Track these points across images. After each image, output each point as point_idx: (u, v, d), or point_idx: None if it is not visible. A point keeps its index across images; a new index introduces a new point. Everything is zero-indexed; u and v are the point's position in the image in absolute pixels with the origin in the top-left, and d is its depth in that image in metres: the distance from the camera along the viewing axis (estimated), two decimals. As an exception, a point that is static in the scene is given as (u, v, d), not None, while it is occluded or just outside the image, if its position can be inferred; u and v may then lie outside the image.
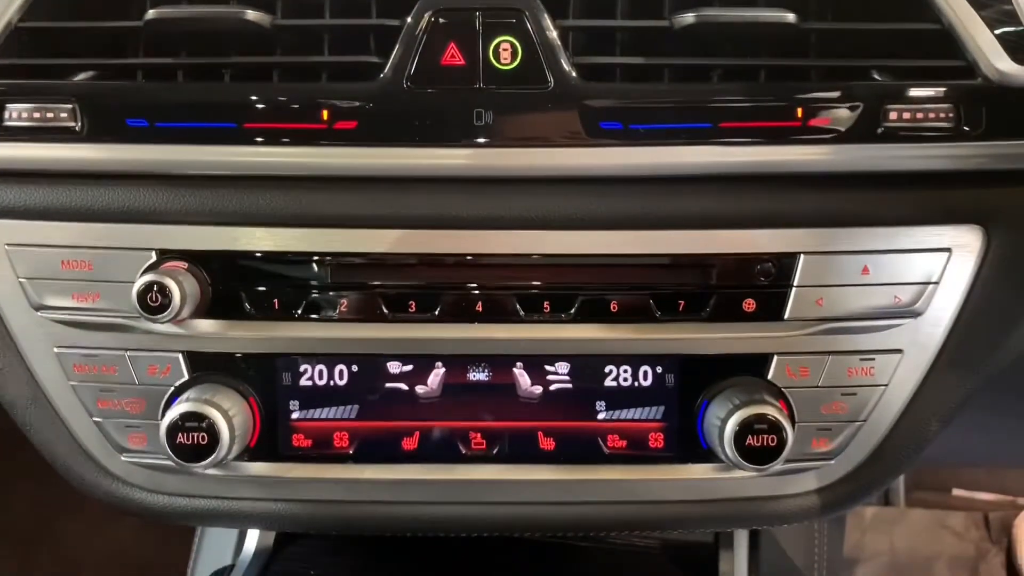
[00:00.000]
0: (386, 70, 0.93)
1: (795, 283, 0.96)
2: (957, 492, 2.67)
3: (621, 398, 1.00)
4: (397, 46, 0.92)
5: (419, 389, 1.01)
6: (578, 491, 1.04)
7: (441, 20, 0.92)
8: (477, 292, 0.98)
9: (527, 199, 0.95)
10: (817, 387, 0.99)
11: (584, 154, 0.94)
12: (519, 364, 1.00)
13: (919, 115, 0.93)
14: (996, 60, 0.91)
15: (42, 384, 1.02)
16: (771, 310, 0.97)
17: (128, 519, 1.70)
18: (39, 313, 0.99)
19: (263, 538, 1.44)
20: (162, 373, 0.99)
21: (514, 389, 1.01)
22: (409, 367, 1.00)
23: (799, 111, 0.93)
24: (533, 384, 1.00)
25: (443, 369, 1.00)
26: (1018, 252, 0.98)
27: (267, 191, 0.95)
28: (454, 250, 0.97)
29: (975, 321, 0.99)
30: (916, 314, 0.98)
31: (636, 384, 1.00)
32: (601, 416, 1.01)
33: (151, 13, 0.93)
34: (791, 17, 0.93)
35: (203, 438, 0.93)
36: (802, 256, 0.96)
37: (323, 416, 1.01)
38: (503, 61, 0.92)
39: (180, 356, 0.99)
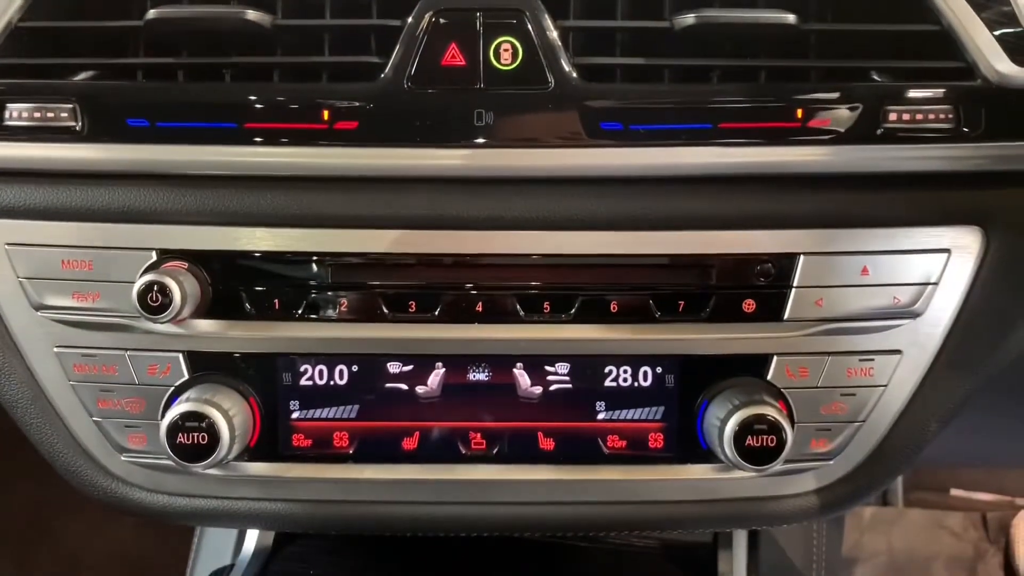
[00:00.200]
0: (387, 70, 0.93)
1: (795, 284, 0.96)
2: (955, 492, 2.68)
3: (621, 398, 1.01)
4: (398, 46, 0.92)
5: (419, 389, 1.01)
6: (578, 491, 1.04)
7: (442, 20, 0.92)
8: (477, 292, 0.98)
9: (527, 199, 0.95)
10: (816, 388, 0.99)
11: (584, 154, 0.95)
12: (519, 364, 1.00)
13: (918, 116, 0.93)
14: (995, 61, 0.91)
15: (42, 384, 1.02)
16: (771, 311, 0.97)
17: (127, 519, 1.71)
18: (39, 313, 0.99)
19: (262, 538, 1.44)
20: (162, 373, 0.99)
21: (514, 389, 1.01)
22: (409, 367, 1.00)
23: (799, 112, 0.93)
24: (533, 384, 1.01)
25: (443, 369, 1.00)
26: (1017, 253, 0.98)
27: (268, 191, 0.95)
28: (454, 250, 0.97)
29: (974, 322, 0.99)
30: (915, 315, 0.98)
31: (636, 384, 1.00)
32: (601, 416, 1.01)
33: (152, 13, 0.93)
34: (791, 18, 0.93)
35: (203, 438, 0.94)
36: (802, 257, 0.96)
37: (323, 416, 1.01)
38: (504, 61, 0.92)
39: (180, 356, 0.99)
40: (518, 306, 0.98)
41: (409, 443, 1.02)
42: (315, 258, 0.97)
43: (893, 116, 0.93)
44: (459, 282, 0.98)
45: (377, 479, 1.03)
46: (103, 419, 1.01)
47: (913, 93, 0.93)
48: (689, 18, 0.92)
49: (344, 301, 0.98)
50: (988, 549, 2.49)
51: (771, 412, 0.94)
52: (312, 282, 0.98)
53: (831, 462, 1.03)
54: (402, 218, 0.96)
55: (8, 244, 0.98)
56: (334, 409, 1.01)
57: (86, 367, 1.00)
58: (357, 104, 0.93)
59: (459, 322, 0.98)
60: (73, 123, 0.94)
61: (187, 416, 0.94)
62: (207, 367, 0.99)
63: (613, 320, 0.98)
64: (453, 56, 0.92)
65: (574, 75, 0.93)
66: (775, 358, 0.98)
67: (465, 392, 1.01)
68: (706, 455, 1.00)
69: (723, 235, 0.96)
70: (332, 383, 1.00)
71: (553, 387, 1.01)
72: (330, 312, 0.98)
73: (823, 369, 0.98)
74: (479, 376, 1.00)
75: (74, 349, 1.00)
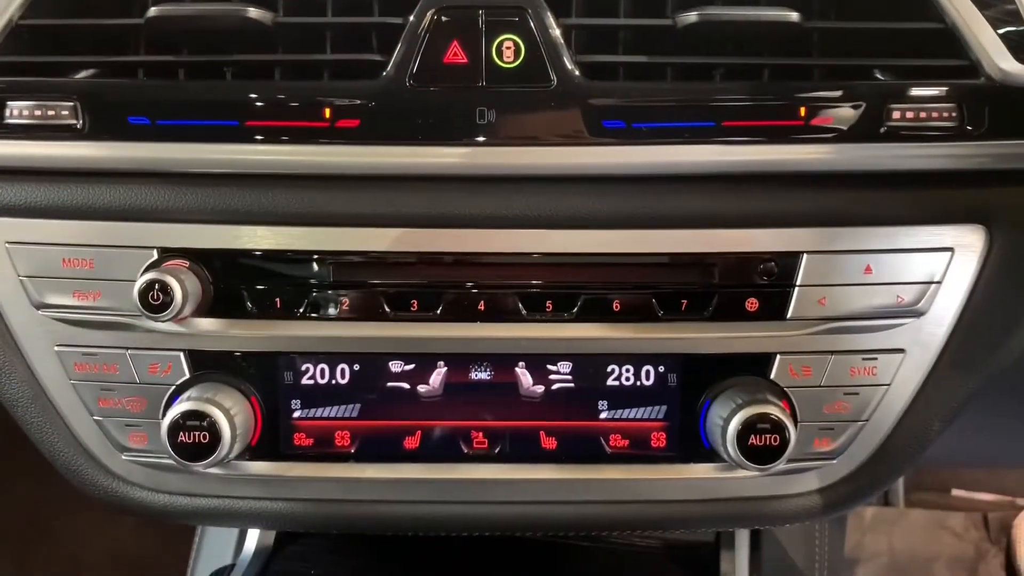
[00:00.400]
0: (388, 68, 0.92)
1: (798, 282, 0.96)
2: (957, 492, 2.67)
3: (623, 397, 1.00)
4: (400, 44, 0.92)
5: (421, 388, 1.00)
6: (580, 490, 1.04)
7: (444, 18, 0.92)
8: (479, 291, 0.97)
9: (529, 198, 0.95)
10: (819, 387, 0.99)
11: (587, 153, 0.94)
12: (521, 363, 1.00)
13: (922, 114, 0.93)
14: (999, 59, 0.91)
15: (43, 383, 1.01)
16: (774, 309, 0.97)
17: (128, 519, 1.71)
18: (40, 312, 0.98)
19: (263, 537, 1.44)
20: (163, 372, 0.99)
21: (516, 388, 1.00)
22: (411, 366, 1.00)
23: (802, 110, 0.93)
24: (535, 383, 1.00)
25: (445, 368, 1.00)
26: (1020, 252, 0.98)
27: (269, 189, 0.95)
28: (456, 249, 0.96)
29: (977, 321, 0.99)
30: (918, 314, 0.98)
31: (638, 383, 1.00)
32: (603, 415, 1.01)
33: (153, 11, 0.93)
34: (794, 16, 0.93)
35: (204, 437, 0.93)
36: (805, 255, 0.96)
37: (324, 415, 1.01)
38: (506, 59, 0.92)
39: (181, 355, 0.98)
40: (520, 305, 0.98)
41: (411, 442, 1.01)
42: (316, 257, 0.97)
43: (896, 114, 0.93)
44: (461, 281, 0.97)
45: (379, 478, 1.02)
46: (104, 418, 1.01)
47: (916, 91, 0.93)
48: (692, 16, 0.92)
49: (345, 300, 0.98)
50: (989, 549, 2.49)
51: (774, 411, 0.94)
52: (313, 281, 0.98)
53: (834, 461, 1.03)
54: (404, 216, 0.95)
55: (9, 242, 0.97)
56: (335, 408, 1.01)
57: (87, 366, 1.00)
58: (359, 102, 0.93)
59: (461, 321, 0.98)
60: (74, 121, 0.94)
61: (188, 415, 0.93)
62: (208, 366, 0.99)
63: (615, 319, 0.98)
64: (455, 54, 0.92)
65: (576, 73, 0.92)
66: (778, 357, 0.98)
67: (467, 391, 1.01)
68: (709, 454, 1.00)
69: (726, 234, 0.96)
70: (333, 382, 1.00)
71: (555, 386, 1.00)
72: (331, 311, 0.98)
73: (826, 368, 0.98)
74: (481, 375, 1.00)
75: (75, 348, 0.99)
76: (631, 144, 0.94)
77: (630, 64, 0.96)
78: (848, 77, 0.95)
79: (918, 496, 2.66)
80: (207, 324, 0.97)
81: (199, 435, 0.93)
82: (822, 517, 1.10)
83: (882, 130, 0.93)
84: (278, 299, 0.98)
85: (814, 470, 1.04)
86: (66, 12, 0.96)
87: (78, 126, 0.94)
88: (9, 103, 0.94)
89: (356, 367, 1.00)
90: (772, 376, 0.98)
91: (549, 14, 0.92)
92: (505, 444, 1.02)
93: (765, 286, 0.97)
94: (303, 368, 1.00)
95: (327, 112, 0.93)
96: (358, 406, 1.01)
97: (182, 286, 0.91)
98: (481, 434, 1.01)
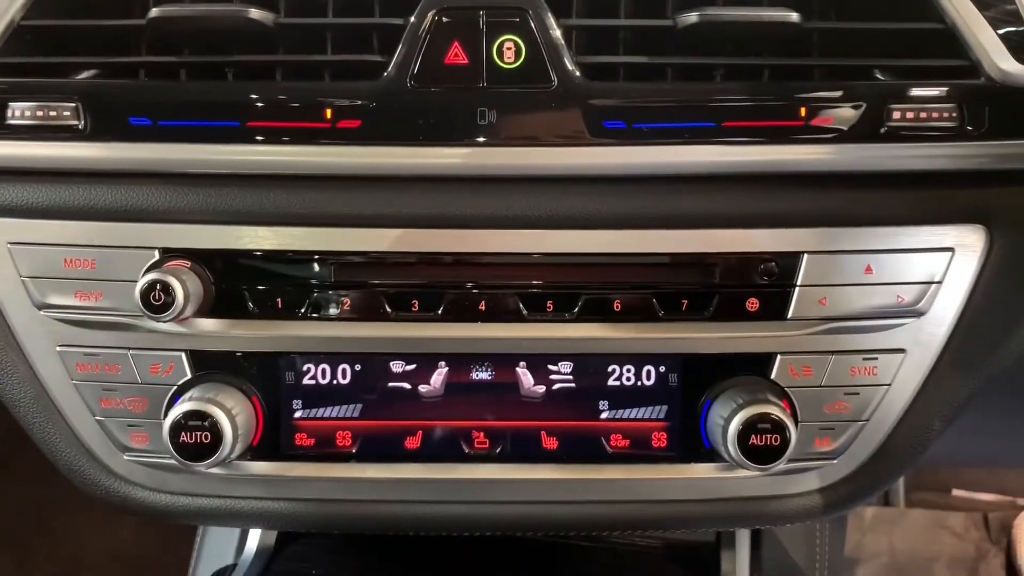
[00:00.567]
0: (389, 69, 0.93)
1: (798, 283, 0.96)
2: (957, 492, 2.67)
3: (624, 397, 1.00)
4: (400, 45, 0.92)
5: (422, 388, 1.01)
6: (581, 490, 1.04)
7: (445, 19, 0.92)
8: (480, 291, 0.97)
9: (530, 198, 0.95)
10: (820, 386, 0.99)
11: (587, 153, 0.94)
12: (522, 363, 1.00)
13: (922, 115, 0.93)
14: (999, 60, 0.91)
15: (44, 383, 1.02)
16: (774, 310, 0.97)
17: (128, 518, 1.71)
18: (42, 312, 0.99)
19: (265, 537, 1.44)
20: (165, 372, 0.99)
21: (517, 388, 1.00)
22: (412, 366, 1.00)
23: (802, 110, 0.93)
24: (536, 383, 1.00)
25: (446, 368, 1.00)
26: (1021, 252, 0.98)
27: (270, 190, 0.95)
28: (457, 249, 0.97)
29: (978, 321, 0.99)
30: (919, 314, 0.98)
31: (639, 383, 1.00)
32: (604, 415, 1.01)
33: (154, 11, 0.93)
34: (794, 16, 0.93)
35: (206, 437, 0.93)
36: (805, 256, 0.96)
37: (326, 415, 1.01)
38: (507, 60, 0.92)
39: (183, 355, 0.99)
40: (521, 305, 0.98)
41: (412, 442, 1.02)
42: (318, 257, 0.97)
43: (896, 114, 0.93)
44: (462, 281, 0.97)
45: (380, 478, 1.03)
46: (105, 418, 1.01)
47: (916, 91, 0.93)
48: (692, 16, 0.92)
49: (347, 300, 0.98)
50: (990, 549, 2.49)
51: (775, 411, 0.94)
52: (315, 281, 0.98)
53: (835, 461, 1.03)
54: (405, 217, 0.96)
55: (11, 243, 0.97)
56: (337, 408, 1.01)
57: (88, 366, 1.00)
58: (360, 103, 0.93)
59: (462, 321, 0.98)
60: (76, 122, 0.94)
61: (190, 415, 0.93)
62: (210, 366, 0.99)
63: (616, 319, 0.98)
64: (456, 55, 0.92)
65: (577, 74, 0.92)
66: (779, 357, 0.98)
67: (468, 391, 1.01)
68: (709, 454, 1.00)
69: (726, 234, 0.96)
70: (335, 382, 1.00)
71: (556, 386, 1.01)
72: (333, 311, 0.98)
73: (827, 368, 0.98)
74: (482, 375, 1.00)
75: (76, 348, 1.00)
76: (631, 144, 0.94)
77: (630, 65, 0.96)
78: (848, 77, 0.96)
79: (918, 496, 2.66)
80: (209, 324, 0.98)
81: (201, 435, 0.93)
82: (823, 517, 1.10)
83: (882, 130, 0.93)
84: (279, 299, 0.98)
85: (815, 470, 1.04)
86: (67, 13, 0.96)
87: (80, 127, 0.94)
88: (11, 104, 0.94)
89: (357, 367, 1.00)
90: (773, 376, 0.98)
91: (550, 15, 0.92)
92: (506, 444, 1.02)
93: (765, 286, 0.97)
94: (304, 368, 1.00)
95: (328, 113, 0.93)
96: (359, 406, 1.01)
97: (184, 286, 0.92)
98: (482, 434, 1.02)
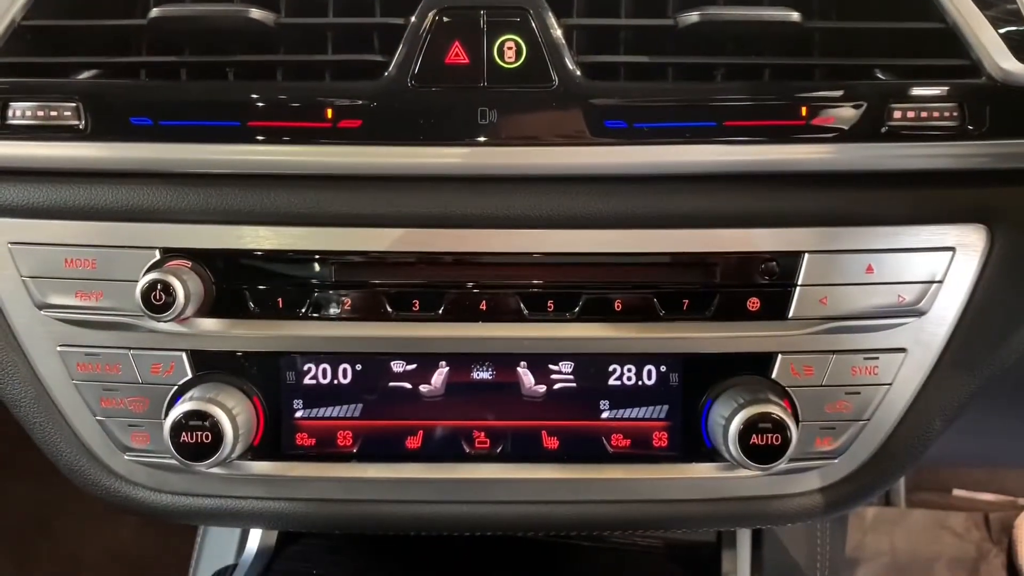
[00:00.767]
0: (390, 69, 0.93)
1: (799, 282, 0.96)
2: (958, 492, 2.67)
3: (625, 397, 1.00)
4: (401, 45, 0.92)
5: (423, 388, 1.01)
6: (581, 490, 1.04)
7: (445, 19, 0.92)
8: (481, 291, 0.97)
9: (531, 198, 0.95)
10: (821, 386, 0.99)
11: (588, 152, 0.94)
12: (523, 363, 1.00)
13: (923, 114, 0.93)
14: (1000, 59, 0.91)
15: (45, 383, 1.02)
16: (775, 309, 0.97)
17: (128, 518, 1.71)
18: (42, 312, 0.99)
19: (265, 537, 1.44)
20: (165, 372, 0.99)
21: (518, 388, 1.00)
22: (413, 366, 1.00)
23: (803, 110, 0.93)
24: (537, 383, 1.00)
25: (447, 368, 1.00)
26: (1022, 251, 0.98)
27: (271, 190, 0.95)
28: (458, 249, 0.97)
29: (979, 320, 0.99)
30: (920, 313, 0.98)
31: (640, 383, 1.00)
32: (605, 415, 1.01)
33: (155, 11, 0.93)
34: (795, 16, 0.93)
35: (207, 437, 0.93)
36: (806, 255, 0.96)
37: (326, 415, 1.01)
38: (507, 60, 0.92)
39: (183, 355, 0.99)
40: (522, 305, 0.98)
41: (412, 442, 1.02)
42: (318, 257, 0.97)
43: (897, 114, 0.93)
44: (463, 281, 0.97)
45: (380, 478, 1.03)
46: (106, 418, 1.01)
47: (917, 91, 0.93)
48: (693, 16, 0.92)
49: (347, 300, 0.98)
50: (991, 549, 2.49)
51: (776, 410, 0.94)
52: (315, 281, 0.98)
53: (836, 461, 1.03)
54: (405, 216, 0.96)
55: (11, 243, 0.97)
56: (337, 408, 1.01)
57: (89, 366, 1.00)
58: (360, 102, 0.93)
59: (463, 321, 0.98)
60: (76, 122, 0.94)
61: (190, 415, 0.93)
62: (210, 366, 0.99)
63: (617, 319, 0.98)
64: (457, 54, 0.92)
65: (578, 73, 0.92)
66: (779, 356, 0.98)
67: (469, 391, 1.01)
68: (710, 454, 1.00)
69: (727, 233, 0.96)
70: (335, 382, 1.00)
71: (557, 386, 1.01)
72: (333, 311, 0.98)
73: (828, 367, 0.98)
74: (483, 375, 1.00)
75: (77, 348, 1.00)
76: (632, 144, 0.94)
77: (631, 64, 0.96)
78: (849, 77, 0.96)
79: (919, 496, 2.66)
80: (209, 324, 0.98)
81: (201, 435, 0.93)
82: (824, 516, 1.10)
83: (883, 130, 0.93)
84: (280, 299, 0.98)
85: (816, 469, 1.04)
86: (68, 13, 0.96)
87: (80, 127, 0.94)
88: (12, 104, 0.94)
89: (358, 367, 1.00)
90: (774, 375, 0.98)
91: (550, 14, 0.92)
92: (507, 444, 1.02)
93: (766, 286, 0.97)
94: (305, 368, 1.00)
95: (329, 112, 0.93)
96: (360, 406, 1.01)
97: (184, 286, 0.92)
98: (483, 434, 1.02)
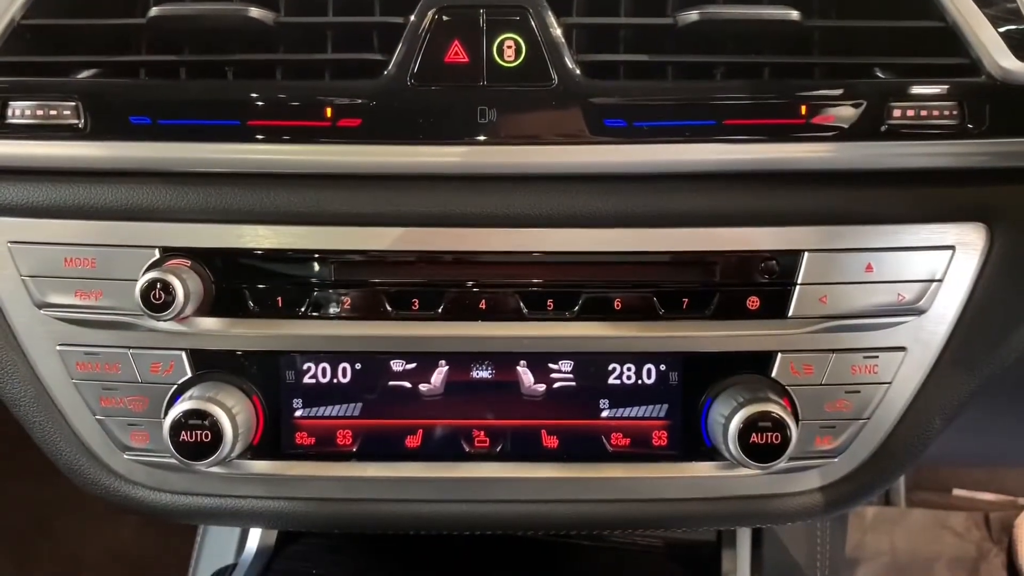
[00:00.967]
0: (390, 68, 0.93)
1: (799, 281, 0.96)
2: (958, 492, 2.67)
3: (624, 396, 1.00)
4: (401, 44, 0.92)
5: (422, 387, 1.01)
6: (581, 489, 1.04)
7: (445, 18, 0.92)
8: (480, 290, 0.97)
9: (531, 197, 0.95)
10: (821, 385, 0.99)
11: (588, 151, 0.94)
12: (522, 362, 1.00)
13: (923, 113, 0.93)
14: (1000, 58, 0.91)
15: (44, 382, 1.02)
16: (775, 308, 0.97)
17: (128, 518, 1.71)
18: (42, 311, 0.98)
19: (265, 537, 1.44)
20: (165, 371, 0.99)
21: (517, 387, 1.00)
22: (412, 365, 1.00)
23: (803, 108, 0.93)
24: (536, 382, 1.00)
25: (446, 367, 1.00)
26: (1022, 250, 0.98)
27: (271, 189, 0.95)
28: (458, 248, 0.97)
29: (979, 319, 0.99)
30: (920, 312, 0.98)
31: (640, 382, 1.00)
32: (604, 414, 1.01)
33: (154, 10, 0.93)
34: (795, 15, 0.93)
35: (206, 436, 0.93)
36: (806, 254, 0.96)
37: (326, 414, 1.01)
38: (507, 59, 0.92)
39: (183, 354, 0.99)
40: (521, 304, 0.98)
41: (412, 441, 1.01)
42: (318, 256, 0.97)
43: (897, 112, 0.93)
44: (462, 279, 0.97)
45: (380, 477, 1.03)
46: (106, 417, 1.01)
47: (917, 89, 0.93)
48: (692, 15, 0.92)
49: (347, 299, 0.98)
50: (991, 549, 2.49)
51: (776, 409, 0.94)
52: (315, 280, 0.98)
53: (835, 460, 1.03)
54: (405, 215, 0.96)
55: (11, 242, 0.97)
56: (337, 407, 1.01)
57: (88, 365, 1.00)
58: (360, 101, 0.93)
59: (462, 320, 0.98)
60: (76, 121, 0.94)
61: (190, 414, 0.93)
62: (210, 365, 0.99)
63: (617, 317, 0.98)
64: (456, 53, 0.92)
65: (577, 72, 0.92)
66: (779, 355, 0.98)
67: (468, 390, 1.01)
68: (710, 453, 1.00)
69: (727, 232, 0.96)
70: (335, 381, 1.00)
71: (557, 385, 1.00)
72: (333, 310, 0.98)
73: (827, 366, 0.98)
74: (482, 374, 1.00)
75: (76, 347, 1.00)
76: (632, 143, 0.94)
77: (631, 63, 0.96)
78: (849, 75, 0.95)
79: (919, 496, 2.66)
80: (209, 323, 0.98)
81: (201, 434, 0.93)
82: (823, 516, 1.10)
83: (883, 128, 0.93)
84: (280, 298, 0.98)
85: (815, 468, 1.04)
86: (68, 12, 0.96)
87: (80, 126, 0.94)
88: (11, 103, 0.94)
89: (357, 366, 1.00)
90: (773, 374, 0.98)
91: (550, 13, 0.92)
92: (506, 443, 1.02)
93: (766, 284, 0.97)
94: (304, 367, 1.00)
95: (328, 111, 0.93)
96: (359, 405, 1.01)
97: (184, 285, 0.92)
98: (482, 433, 1.02)
